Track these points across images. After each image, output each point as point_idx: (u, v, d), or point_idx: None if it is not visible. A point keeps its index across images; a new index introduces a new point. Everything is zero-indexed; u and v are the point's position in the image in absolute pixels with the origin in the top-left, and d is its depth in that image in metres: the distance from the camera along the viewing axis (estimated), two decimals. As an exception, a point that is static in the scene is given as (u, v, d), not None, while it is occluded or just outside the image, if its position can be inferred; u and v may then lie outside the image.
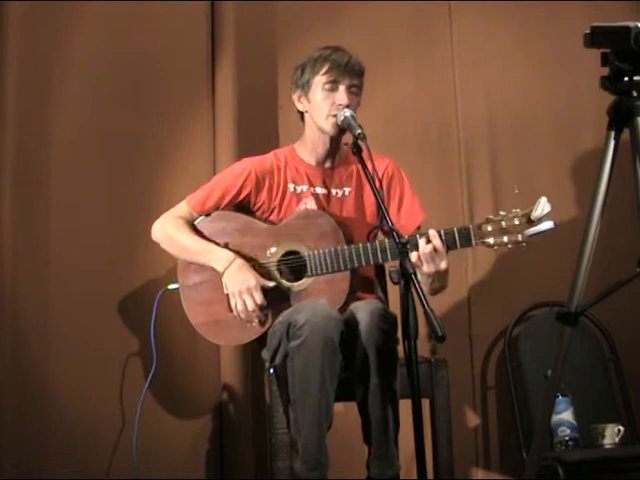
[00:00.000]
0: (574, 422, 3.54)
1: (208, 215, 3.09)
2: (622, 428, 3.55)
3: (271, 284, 2.97)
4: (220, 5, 3.76)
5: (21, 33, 3.35)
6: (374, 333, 2.77)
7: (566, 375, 2.48)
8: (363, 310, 2.83)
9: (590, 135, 3.85)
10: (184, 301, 3.07)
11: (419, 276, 2.78)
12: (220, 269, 2.98)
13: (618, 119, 2.29)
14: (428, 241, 2.79)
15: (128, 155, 3.55)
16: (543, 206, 2.73)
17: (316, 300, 2.87)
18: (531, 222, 2.76)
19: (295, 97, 3.10)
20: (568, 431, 3.53)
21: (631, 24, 2.17)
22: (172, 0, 3.65)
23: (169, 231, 3.08)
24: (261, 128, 3.74)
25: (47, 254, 3.37)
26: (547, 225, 2.75)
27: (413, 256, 2.76)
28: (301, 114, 3.12)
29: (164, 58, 3.65)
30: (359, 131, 2.85)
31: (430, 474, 2.66)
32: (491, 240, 2.81)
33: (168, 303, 3.26)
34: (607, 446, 3.51)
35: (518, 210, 2.79)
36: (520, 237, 2.78)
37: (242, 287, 2.94)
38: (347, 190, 3.11)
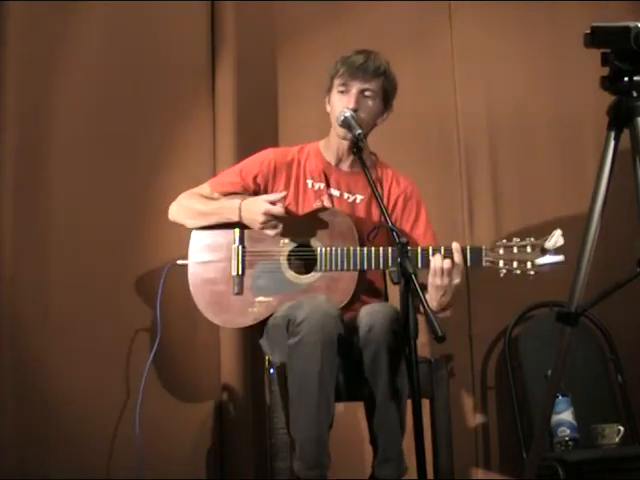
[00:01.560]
0: (574, 422, 3.54)
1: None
2: (622, 428, 3.56)
3: (275, 197, 2.99)
4: (220, 5, 3.76)
5: (21, 33, 3.35)
6: (387, 335, 2.77)
7: (566, 375, 2.48)
8: (374, 313, 2.83)
9: (590, 135, 3.86)
10: (190, 276, 3.10)
11: (430, 290, 2.84)
12: (236, 217, 3.04)
13: (618, 119, 2.29)
14: (448, 254, 2.84)
15: (128, 154, 3.55)
16: (557, 238, 2.79)
17: (315, 296, 2.88)
18: (543, 252, 2.81)
19: (326, 100, 3.14)
20: (568, 431, 3.53)
21: (631, 24, 2.17)
22: (172, 0, 3.65)
23: (185, 203, 3.16)
24: (261, 128, 3.74)
25: (48, 253, 3.36)
26: (557, 258, 2.82)
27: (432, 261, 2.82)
28: None
29: (164, 58, 3.66)
30: (359, 131, 2.87)
31: (430, 474, 2.66)
32: (501, 264, 2.87)
33: (167, 303, 3.27)
34: (607, 446, 3.51)
35: (532, 239, 2.85)
36: (529, 265, 2.85)
37: (260, 218, 2.97)
38: (359, 197, 3.14)
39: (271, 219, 2.98)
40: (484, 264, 2.88)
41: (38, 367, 3.29)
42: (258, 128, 3.73)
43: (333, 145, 3.14)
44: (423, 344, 3.26)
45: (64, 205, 3.41)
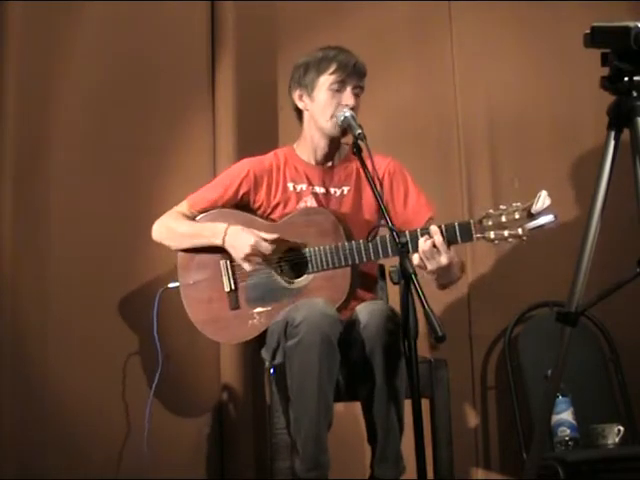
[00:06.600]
0: (574, 422, 3.54)
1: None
2: (622, 428, 3.55)
3: (269, 236, 2.96)
4: (220, 5, 3.76)
5: (21, 33, 3.35)
6: (381, 334, 2.77)
7: (566, 375, 2.47)
8: (369, 311, 2.83)
9: (590, 135, 3.85)
10: (184, 299, 3.09)
11: (425, 275, 2.79)
12: (219, 242, 3.01)
13: (618, 119, 2.29)
14: (428, 237, 2.77)
15: (128, 155, 3.55)
16: (544, 200, 2.69)
17: (313, 299, 2.87)
18: (531, 216, 2.72)
19: (295, 96, 3.10)
20: (568, 431, 3.53)
21: (631, 24, 2.17)
22: (172, 0, 3.65)
23: (168, 224, 3.12)
24: (261, 128, 3.74)
25: (47, 254, 3.37)
26: (548, 219, 2.69)
27: (415, 258, 2.75)
28: (299, 113, 3.13)
29: (164, 58, 3.66)
30: (359, 131, 2.86)
31: (430, 474, 2.66)
32: (492, 235, 2.76)
33: (166, 303, 3.27)
34: (607, 446, 3.51)
35: (518, 204, 2.74)
36: (521, 231, 2.72)
37: (246, 250, 2.95)
38: (346, 189, 3.11)
39: (255, 254, 2.96)
40: (475, 238, 2.78)
41: (39, 370, 3.30)
42: (258, 128, 3.73)
43: (308, 143, 3.12)
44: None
45: (64, 205, 3.41)
